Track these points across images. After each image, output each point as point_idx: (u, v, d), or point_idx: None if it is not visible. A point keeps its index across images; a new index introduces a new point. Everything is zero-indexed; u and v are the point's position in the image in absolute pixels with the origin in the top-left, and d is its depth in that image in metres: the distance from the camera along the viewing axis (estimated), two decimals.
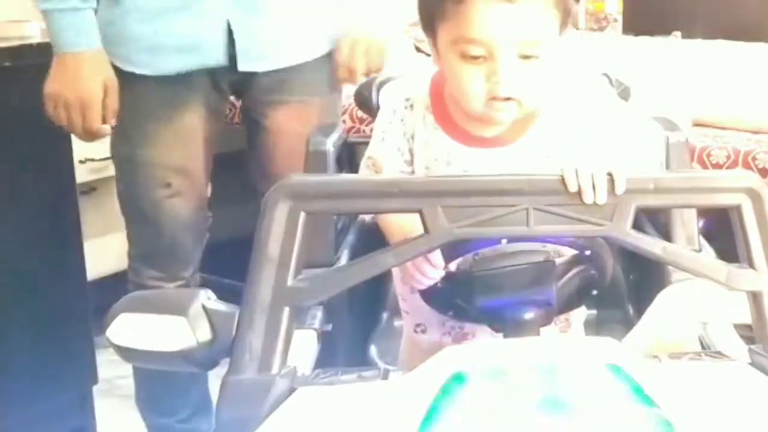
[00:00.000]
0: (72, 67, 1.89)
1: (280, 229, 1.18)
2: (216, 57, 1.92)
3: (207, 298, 1.21)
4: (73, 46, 1.88)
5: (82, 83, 1.88)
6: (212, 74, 1.97)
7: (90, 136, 1.95)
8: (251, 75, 1.98)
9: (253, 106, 2.05)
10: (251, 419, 1.10)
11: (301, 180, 1.23)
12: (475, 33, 1.29)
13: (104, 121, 1.92)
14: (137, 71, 1.94)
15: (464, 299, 1.43)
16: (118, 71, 1.93)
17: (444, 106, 1.44)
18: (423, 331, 1.60)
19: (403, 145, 1.48)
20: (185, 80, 1.95)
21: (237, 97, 2.11)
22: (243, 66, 1.93)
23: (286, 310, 1.17)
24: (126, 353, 1.21)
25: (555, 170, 1.21)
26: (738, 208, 1.21)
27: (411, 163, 1.48)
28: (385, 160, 1.49)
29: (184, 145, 2.01)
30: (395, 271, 1.57)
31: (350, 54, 1.98)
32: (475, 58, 1.31)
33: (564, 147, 1.41)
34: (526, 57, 1.31)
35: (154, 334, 1.18)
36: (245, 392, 1.13)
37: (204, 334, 1.18)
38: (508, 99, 1.33)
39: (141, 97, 1.96)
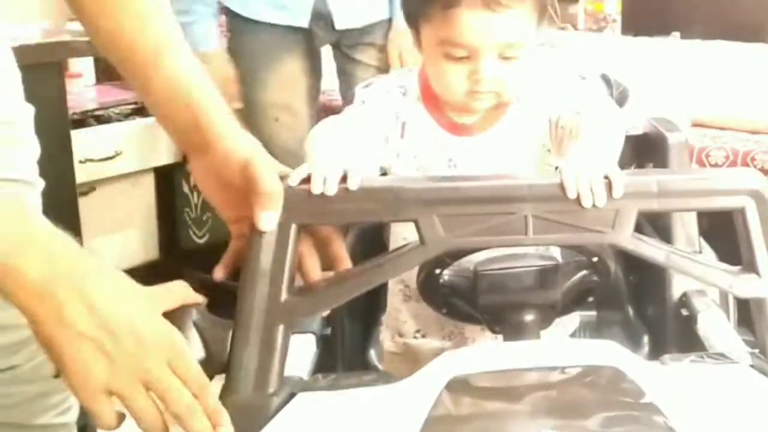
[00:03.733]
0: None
1: (272, 242, 1.14)
2: (302, 19, 2.46)
3: (198, 314, 1.15)
4: (199, 46, 2.39)
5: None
6: (307, 31, 2.50)
7: None
8: (343, 30, 2.50)
9: (346, 49, 2.59)
10: None
11: (292, 191, 1.17)
12: (459, 38, 1.34)
13: None
14: (249, 16, 2.47)
15: (466, 298, 1.43)
16: (239, 18, 2.48)
17: (432, 96, 1.47)
18: (423, 336, 1.59)
19: (390, 118, 1.47)
20: (285, 31, 2.48)
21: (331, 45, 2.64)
22: (340, 25, 2.48)
23: (281, 326, 1.14)
24: None
25: (531, 156, 1.18)
26: (742, 211, 1.18)
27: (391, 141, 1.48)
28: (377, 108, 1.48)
29: (288, 87, 2.55)
30: (391, 285, 1.59)
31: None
32: (458, 58, 1.36)
33: (537, 131, 1.45)
34: (506, 58, 1.36)
35: None
36: (242, 412, 1.09)
37: (197, 352, 1.12)
38: (483, 93, 1.39)
39: (254, 44, 2.50)
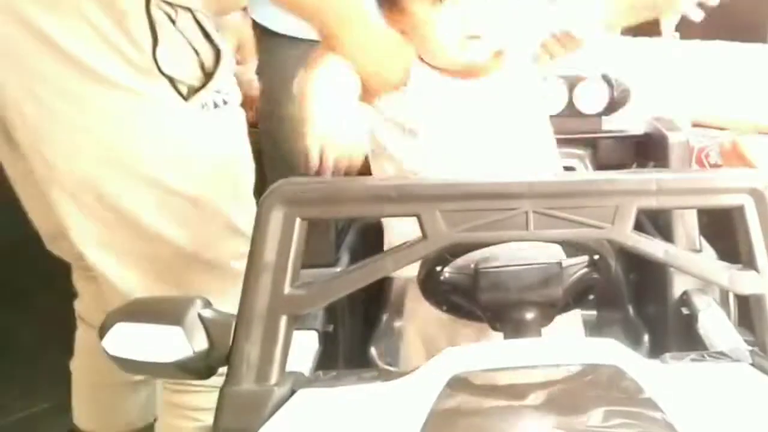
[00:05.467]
0: None
1: (276, 235, 1.16)
2: None
3: (203, 306, 1.19)
4: None
5: None
6: None
7: None
8: None
9: None
10: (250, 430, 1.08)
11: (296, 185, 1.20)
12: None
13: None
14: (281, 32, 2.36)
15: (467, 296, 1.43)
16: (266, 33, 2.39)
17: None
18: None
19: None
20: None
21: None
22: None
23: (284, 318, 1.16)
24: (122, 363, 1.20)
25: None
26: (741, 209, 1.19)
27: None
28: None
29: None
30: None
31: None
32: None
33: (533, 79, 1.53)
34: None
35: (151, 344, 1.17)
36: (244, 403, 1.12)
37: (200, 343, 1.16)
38: (476, 37, 1.44)
39: (286, 60, 2.34)
